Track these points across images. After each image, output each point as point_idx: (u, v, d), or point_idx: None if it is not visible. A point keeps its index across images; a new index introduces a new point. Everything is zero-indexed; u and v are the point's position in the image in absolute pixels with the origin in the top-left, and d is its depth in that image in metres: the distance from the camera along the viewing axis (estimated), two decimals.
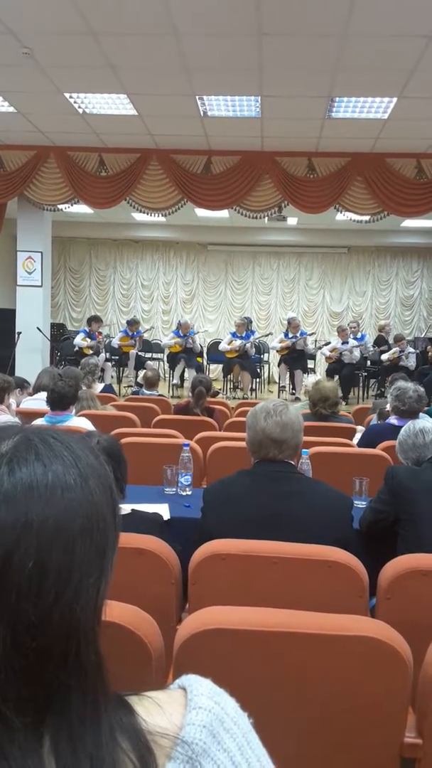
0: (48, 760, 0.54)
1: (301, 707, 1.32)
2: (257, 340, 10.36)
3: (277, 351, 9.87)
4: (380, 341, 10.51)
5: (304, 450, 2.92)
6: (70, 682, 0.56)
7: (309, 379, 5.64)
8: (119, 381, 10.27)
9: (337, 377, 9.01)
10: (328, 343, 10.41)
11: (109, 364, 9.70)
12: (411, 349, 9.83)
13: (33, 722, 0.54)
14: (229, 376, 9.91)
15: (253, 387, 9.94)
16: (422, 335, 12.59)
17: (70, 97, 6.53)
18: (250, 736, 0.62)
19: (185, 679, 0.64)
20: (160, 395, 6.59)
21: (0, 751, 0.53)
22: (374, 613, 1.89)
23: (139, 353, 10.10)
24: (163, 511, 2.59)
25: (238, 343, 9.59)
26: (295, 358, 9.61)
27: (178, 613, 1.95)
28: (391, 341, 10.14)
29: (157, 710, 0.60)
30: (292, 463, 2.11)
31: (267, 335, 11.14)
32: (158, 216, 8.92)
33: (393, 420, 3.86)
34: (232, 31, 4.95)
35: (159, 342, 11.26)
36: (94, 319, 9.79)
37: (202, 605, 1.43)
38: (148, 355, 10.88)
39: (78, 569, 0.57)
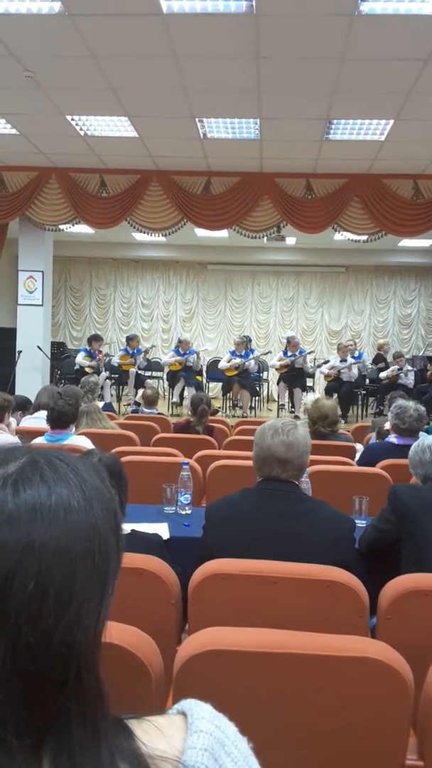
0: None
1: (302, 729, 1.31)
2: (259, 357, 10.39)
3: (276, 369, 9.89)
4: (378, 359, 10.54)
5: None
6: (70, 706, 0.56)
7: (308, 398, 5.65)
8: (119, 399, 10.27)
9: (335, 395, 9.01)
10: (326, 362, 10.44)
11: (109, 382, 9.70)
12: (409, 367, 9.86)
13: (32, 745, 0.54)
14: (228, 395, 9.92)
15: (253, 405, 9.93)
16: (420, 353, 12.63)
17: (72, 119, 6.62)
18: (250, 760, 0.62)
19: (185, 703, 0.64)
20: (159, 413, 6.60)
21: None
22: (375, 633, 1.88)
23: (139, 371, 10.11)
24: (163, 530, 2.59)
25: (237, 361, 9.61)
26: (294, 377, 9.63)
27: (177, 634, 1.94)
28: (390, 359, 10.16)
29: (157, 734, 0.59)
30: (296, 483, 2.11)
31: (266, 354, 11.17)
32: (158, 236, 8.99)
33: (393, 438, 3.86)
34: (231, 54, 5.04)
35: (159, 360, 11.29)
36: (95, 338, 9.81)
37: (202, 626, 1.42)
38: (148, 373, 10.89)
39: (79, 592, 0.57)
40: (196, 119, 6.47)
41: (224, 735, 0.61)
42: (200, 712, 0.62)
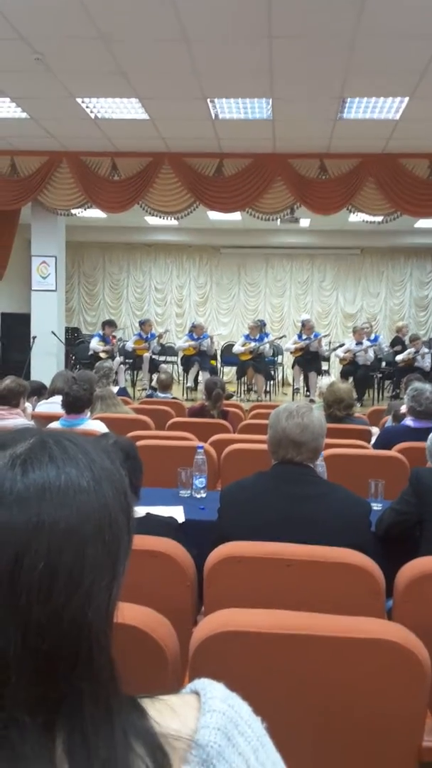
0: (60, 761, 0.54)
1: (317, 710, 1.31)
2: (275, 341, 10.36)
3: (291, 353, 9.86)
4: (397, 342, 10.46)
5: None
6: (82, 685, 0.56)
7: (323, 381, 5.61)
8: (133, 384, 10.30)
9: (351, 379, 8.97)
10: (342, 345, 10.37)
11: (123, 367, 9.73)
12: (426, 350, 9.77)
13: (45, 723, 0.54)
14: (242, 379, 9.91)
15: (267, 389, 9.92)
16: None
17: (82, 101, 6.58)
18: (264, 740, 0.62)
19: (198, 683, 0.64)
20: (174, 398, 6.61)
21: (13, 752, 0.52)
22: (391, 616, 1.87)
23: (153, 356, 10.13)
24: (178, 513, 2.60)
25: (251, 345, 9.59)
26: (309, 360, 9.59)
27: (193, 616, 1.95)
28: (407, 342, 10.09)
29: (170, 713, 0.59)
30: (311, 466, 2.10)
31: (281, 338, 11.13)
32: (171, 219, 8.94)
33: (409, 421, 3.84)
34: (242, 34, 4.96)
35: (173, 345, 11.29)
36: (108, 324, 9.83)
37: (218, 608, 1.43)
38: (162, 358, 10.91)
39: (89, 572, 0.57)
40: (208, 100, 6.39)
41: (237, 714, 0.61)
42: (213, 691, 0.62)
